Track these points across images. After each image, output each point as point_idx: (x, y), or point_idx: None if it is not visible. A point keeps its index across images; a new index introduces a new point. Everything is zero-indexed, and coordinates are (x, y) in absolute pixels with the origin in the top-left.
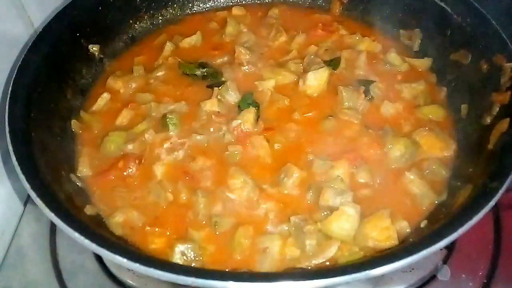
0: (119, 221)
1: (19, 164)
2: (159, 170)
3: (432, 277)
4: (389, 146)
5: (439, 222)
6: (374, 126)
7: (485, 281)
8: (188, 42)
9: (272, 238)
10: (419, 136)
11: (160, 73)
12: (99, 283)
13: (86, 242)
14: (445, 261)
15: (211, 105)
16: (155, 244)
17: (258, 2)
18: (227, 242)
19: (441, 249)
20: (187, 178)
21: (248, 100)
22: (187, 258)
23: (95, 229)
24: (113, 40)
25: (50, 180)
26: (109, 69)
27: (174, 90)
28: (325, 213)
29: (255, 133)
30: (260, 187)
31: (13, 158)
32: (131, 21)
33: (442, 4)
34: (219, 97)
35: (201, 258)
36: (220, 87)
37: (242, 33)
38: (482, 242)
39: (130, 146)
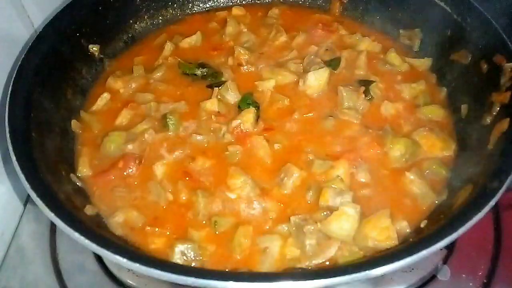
0: (119, 221)
1: (19, 164)
2: (159, 170)
3: (432, 277)
4: (389, 146)
5: (439, 222)
6: (374, 126)
7: (485, 281)
8: (188, 42)
9: (272, 238)
10: (419, 136)
11: (160, 73)
12: (99, 283)
13: (86, 242)
14: (445, 261)
15: (211, 105)
16: (155, 244)
17: (258, 2)
18: (227, 242)
19: (441, 249)
20: (187, 178)
21: (248, 100)
22: (187, 258)
23: (95, 229)
24: (113, 40)
25: (50, 180)
26: (109, 69)
27: (174, 90)
28: (325, 213)
29: (255, 133)
30: (260, 187)
31: (13, 158)
32: (131, 21)
33: (442, 4)
34: (219, 97)
35: (201, 258)
36: (220, 87)
37: (242, 33)
38: (482, 242)
39: (130, 146)
